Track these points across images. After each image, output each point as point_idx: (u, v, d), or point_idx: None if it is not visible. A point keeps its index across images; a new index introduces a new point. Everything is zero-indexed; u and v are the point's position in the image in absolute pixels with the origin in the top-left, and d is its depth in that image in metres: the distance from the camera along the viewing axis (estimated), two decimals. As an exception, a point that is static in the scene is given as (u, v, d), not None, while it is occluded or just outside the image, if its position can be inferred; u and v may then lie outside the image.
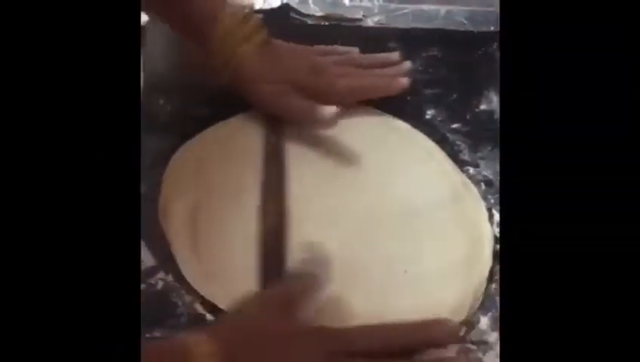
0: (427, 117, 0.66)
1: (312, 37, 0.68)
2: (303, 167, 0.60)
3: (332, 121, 0.59)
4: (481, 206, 0.60)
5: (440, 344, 0.48)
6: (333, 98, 0.61)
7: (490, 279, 0.55)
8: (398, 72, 0.65)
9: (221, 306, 0.51)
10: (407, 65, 0.65)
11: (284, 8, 0.72)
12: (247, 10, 0.62)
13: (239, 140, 0.62)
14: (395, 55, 0.67)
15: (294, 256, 0.53)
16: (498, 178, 0.61)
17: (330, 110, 0.59)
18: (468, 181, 0.61)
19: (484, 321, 0.53)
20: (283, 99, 0.61)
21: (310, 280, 0.48)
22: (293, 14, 0.71)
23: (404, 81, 0.63)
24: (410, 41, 0.71)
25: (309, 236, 0.55)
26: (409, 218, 0.58)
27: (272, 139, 0.61)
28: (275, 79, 0.61)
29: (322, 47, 0.67)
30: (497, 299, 0.53)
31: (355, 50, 0.68)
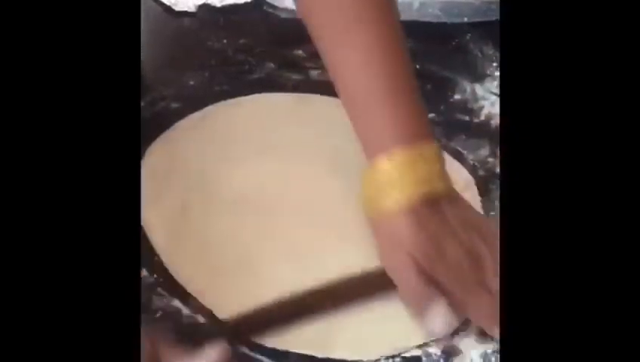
0: (402, 108, 0.66)
1: (285, 31, 0.67)
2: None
3: (442, 330, 0.47)
4: (476, 198, 0.59)
5: None
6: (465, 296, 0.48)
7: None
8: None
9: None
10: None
11: (258, 1, 0.71)
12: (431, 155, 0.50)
13: (215, 132, 0.62)
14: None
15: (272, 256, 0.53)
16: (473, 165, 0.61)
17: (443, 319, 0.47)
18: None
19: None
20: (403, 274, 0.48)
21: None
22: (266, 8, 0.71)
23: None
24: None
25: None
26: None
27: None
28: (409, 249, 0.48)
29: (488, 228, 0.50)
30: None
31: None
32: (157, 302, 0.50)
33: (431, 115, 0.65)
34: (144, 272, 0.52)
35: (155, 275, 0.52)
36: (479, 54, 0.70)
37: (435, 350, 0.49)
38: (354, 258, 0.53)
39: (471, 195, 0.59)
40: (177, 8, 0.73)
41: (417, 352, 0.49)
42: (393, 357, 0.49)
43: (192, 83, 0.66)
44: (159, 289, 0.51)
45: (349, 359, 0.49)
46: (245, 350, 0.48)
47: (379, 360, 0.49)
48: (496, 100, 0.66)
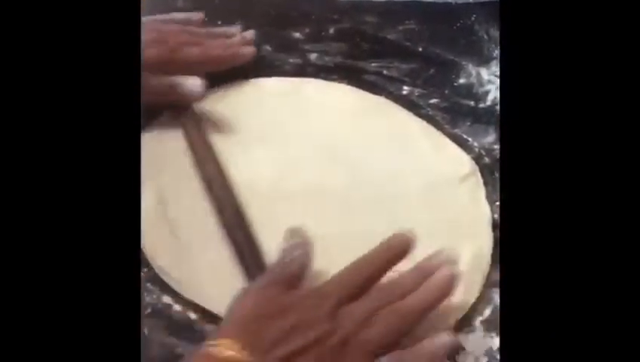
0: (404, 92, 0.64)
1: (282, 12, 0.65)
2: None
3: (199, 93, 0.57)
4: (479, 187, 0.58)
5: (400, 256, 0.47)
6: (183, 68, 0.58)
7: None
8: (241, 42, 0.63)
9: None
10: (250, 34, 0.64)
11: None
12: None
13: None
14: (234, 28, 0.65)
15: (275, 244, 0.51)
16: (478, 152, 0.60)
17: (193, 82, 0.57)
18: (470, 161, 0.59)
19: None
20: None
21: (294, 266, 0.46)
22: (265, -12, 0.69)
23: (249, 50, 0.62)
24: (388, 13, 0.69)
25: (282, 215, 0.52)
26: (396, 195, 0.56)
27: (191, 132, 0.58)
28: None
29: (163, 16, 0.63)
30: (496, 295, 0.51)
31: (197, 15, 0.65)
32: (147, 297, 0.48)
33: (434, 100, 0.63)
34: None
35: (144, 269, 0.50)
36: (485, 36, 0.68)
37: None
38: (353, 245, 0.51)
39: (475, 184, 0.57)
40: (171, -11, 0.70)
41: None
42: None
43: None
44: (148, 285, 0.49)
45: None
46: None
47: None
48: (503, 84, 0.64)
